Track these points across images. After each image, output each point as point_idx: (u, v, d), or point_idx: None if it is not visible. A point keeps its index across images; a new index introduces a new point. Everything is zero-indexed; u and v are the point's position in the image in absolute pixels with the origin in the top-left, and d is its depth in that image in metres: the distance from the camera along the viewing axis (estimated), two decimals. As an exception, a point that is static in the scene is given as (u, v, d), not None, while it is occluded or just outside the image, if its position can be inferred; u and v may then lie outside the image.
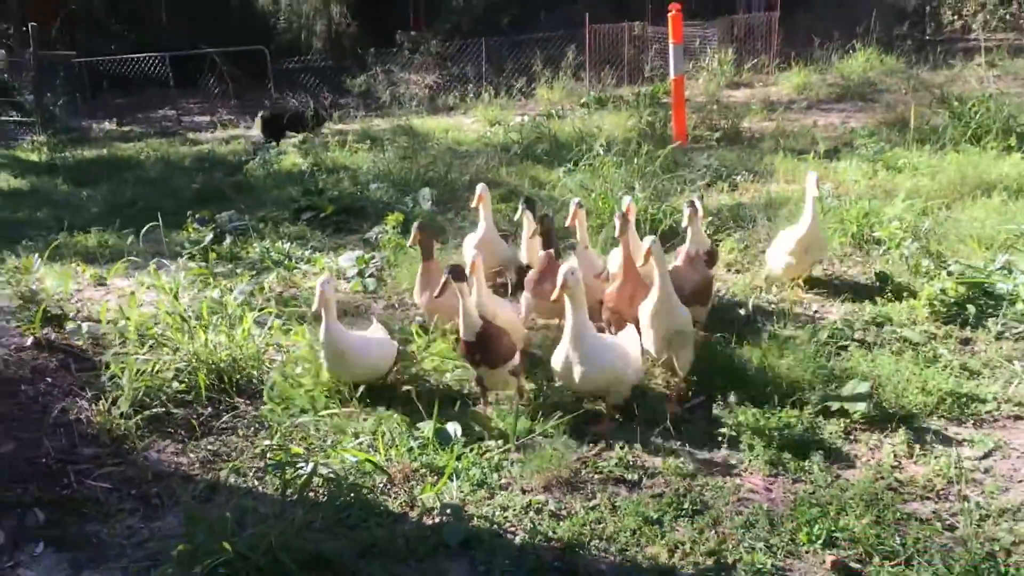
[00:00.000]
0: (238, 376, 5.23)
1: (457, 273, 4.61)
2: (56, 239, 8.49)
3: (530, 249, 6.14)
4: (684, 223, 5.45)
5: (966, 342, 5.19)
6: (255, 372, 5.31)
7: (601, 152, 8.98)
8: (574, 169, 9.17)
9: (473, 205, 6.49)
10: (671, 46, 11.68)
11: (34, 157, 16.19)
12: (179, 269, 7.16)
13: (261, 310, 6.01)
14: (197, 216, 8.60)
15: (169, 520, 4.02)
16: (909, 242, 6.29)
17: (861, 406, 4.29)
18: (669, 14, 11.39)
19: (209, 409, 5.00)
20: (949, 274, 5.62)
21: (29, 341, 5.51)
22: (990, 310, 5.34)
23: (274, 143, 14.43)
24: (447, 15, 27.74)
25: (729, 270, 6.70)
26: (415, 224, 5.68)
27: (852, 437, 4.31)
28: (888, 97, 14.78)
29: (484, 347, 4.61)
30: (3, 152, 16.91)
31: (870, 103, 14.80)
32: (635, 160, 8.51)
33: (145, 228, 7.48)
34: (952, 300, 5.35)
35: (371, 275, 7.11)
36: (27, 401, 4.90)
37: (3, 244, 8.64)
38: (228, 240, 8.16)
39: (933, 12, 28.15)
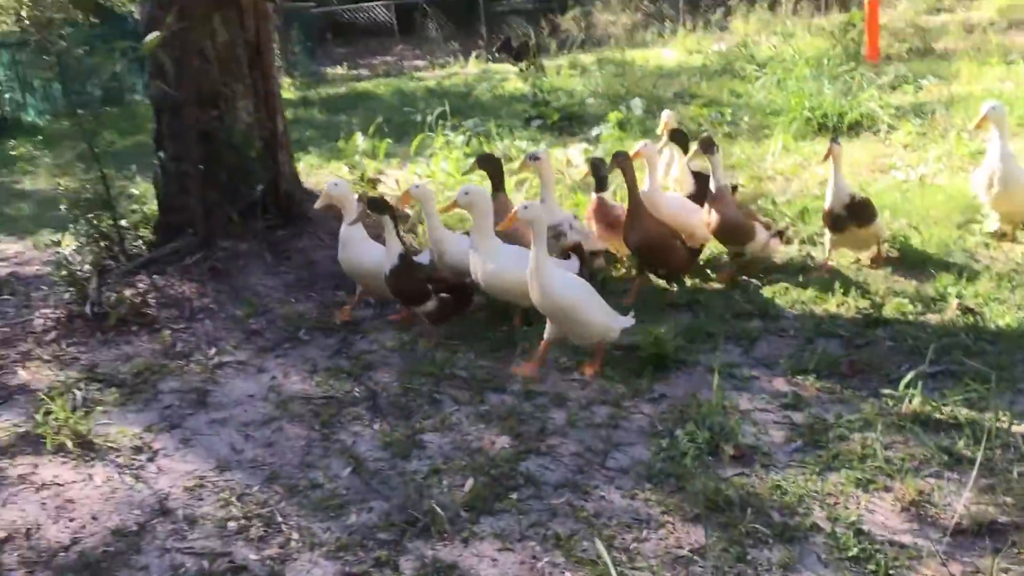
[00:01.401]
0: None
1: (374, 204, 5.01)
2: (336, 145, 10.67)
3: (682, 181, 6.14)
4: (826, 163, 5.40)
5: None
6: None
7: (795, 60, 10.14)
8: (764, 72, 10.38)
9: (659, 131, 6.47)
10: (865, -32, 12.51)
11: (288, 94, 18.92)
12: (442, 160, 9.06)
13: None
14: (447, 124, 10.49)
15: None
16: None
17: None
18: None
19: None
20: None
21: (357, 196, 7.50)
22: None
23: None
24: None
25: (904, 148, 7.83)
26: (476, 157, 5.99)
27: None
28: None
29: (395, 284, 4.97)
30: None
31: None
32: (825, 66, 9.63)
33: (438, 111, 9.31)
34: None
35: (596, 162, 8.70)
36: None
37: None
38: (474, 140, 10.00)
39: None
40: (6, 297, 6.50)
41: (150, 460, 4.12)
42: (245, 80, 6.23)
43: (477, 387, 4.57)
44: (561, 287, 4.37)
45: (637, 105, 10.59)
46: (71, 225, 6.49)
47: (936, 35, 14.11)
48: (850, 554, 3.09)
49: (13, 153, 10.76)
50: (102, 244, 6.19)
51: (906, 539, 3.16)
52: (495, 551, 3.31)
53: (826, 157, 5.31)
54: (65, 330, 5.60)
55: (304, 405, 4.54)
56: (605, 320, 4.48)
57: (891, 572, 2.99)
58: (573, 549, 3.26)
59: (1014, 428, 3.66)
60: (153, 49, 5.66)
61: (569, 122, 10.72)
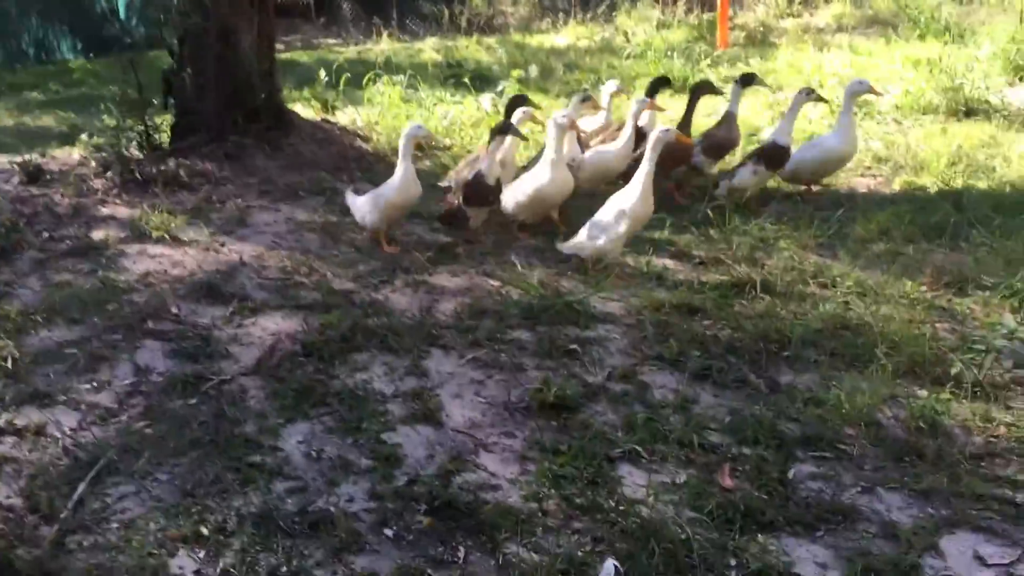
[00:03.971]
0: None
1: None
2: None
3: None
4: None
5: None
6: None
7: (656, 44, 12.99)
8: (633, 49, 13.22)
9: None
10: (717, -28, 15.52)
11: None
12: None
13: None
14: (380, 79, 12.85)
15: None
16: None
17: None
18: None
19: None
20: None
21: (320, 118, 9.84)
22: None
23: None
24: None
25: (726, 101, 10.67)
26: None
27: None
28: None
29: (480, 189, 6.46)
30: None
31: (884, 26, 18.28)
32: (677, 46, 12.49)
33: (382, 62, 11.64)
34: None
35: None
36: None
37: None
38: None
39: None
40: (47, 179, 8.56)
41: (222, 246, 6.46)
42: (251, 17, 8.49)
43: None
44: None
45: (533, 70, 13.21)
46: (88, 132, 8.57)
47: (778, 32, 17.26)
48: (645, 274, 5.76)
49: None
50: (139, 134, 8.33)
51: (681, 269, 5.85)
52: (449, 277, 5.85)
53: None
54: (123, 189, 7.78)
55: (314, 226, 6.94)
56: None
57: (665, 278, 5.66)
58: (494, 274, 5.82)
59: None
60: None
61: (479, 81, 13.23)
